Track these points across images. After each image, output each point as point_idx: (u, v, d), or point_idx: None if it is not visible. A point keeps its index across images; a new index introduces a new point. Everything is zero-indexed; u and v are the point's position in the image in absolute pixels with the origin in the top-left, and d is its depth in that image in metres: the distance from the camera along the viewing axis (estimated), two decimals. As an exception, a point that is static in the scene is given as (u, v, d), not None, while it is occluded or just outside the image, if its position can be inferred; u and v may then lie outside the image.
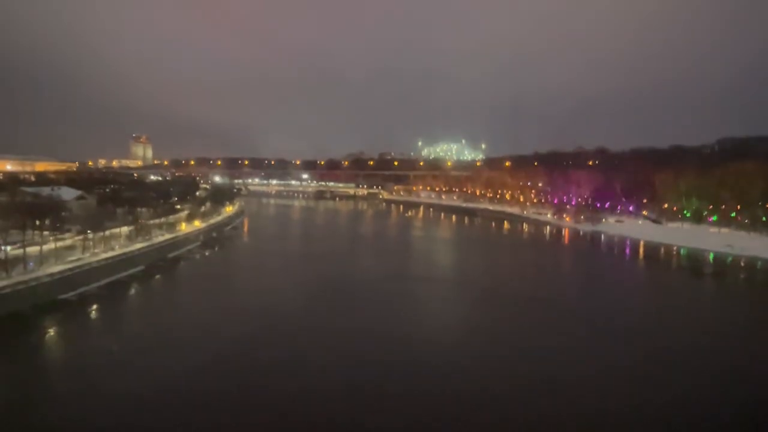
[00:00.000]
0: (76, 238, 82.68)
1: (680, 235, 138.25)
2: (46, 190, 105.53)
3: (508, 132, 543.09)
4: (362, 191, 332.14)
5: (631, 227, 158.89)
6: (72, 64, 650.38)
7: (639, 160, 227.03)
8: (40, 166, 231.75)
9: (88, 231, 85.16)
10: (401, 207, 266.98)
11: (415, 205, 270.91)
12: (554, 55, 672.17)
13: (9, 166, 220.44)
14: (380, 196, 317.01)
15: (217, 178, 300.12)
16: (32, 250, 70.34)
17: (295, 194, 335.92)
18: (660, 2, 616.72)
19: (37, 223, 79.60)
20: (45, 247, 72.98)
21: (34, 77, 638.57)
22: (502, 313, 65.17)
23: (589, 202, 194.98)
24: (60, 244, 78.37)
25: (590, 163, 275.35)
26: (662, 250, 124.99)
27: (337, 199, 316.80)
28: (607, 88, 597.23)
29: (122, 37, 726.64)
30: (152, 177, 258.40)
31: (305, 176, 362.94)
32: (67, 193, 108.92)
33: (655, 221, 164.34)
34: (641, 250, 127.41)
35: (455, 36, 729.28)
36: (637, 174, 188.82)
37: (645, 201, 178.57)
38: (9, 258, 64.94)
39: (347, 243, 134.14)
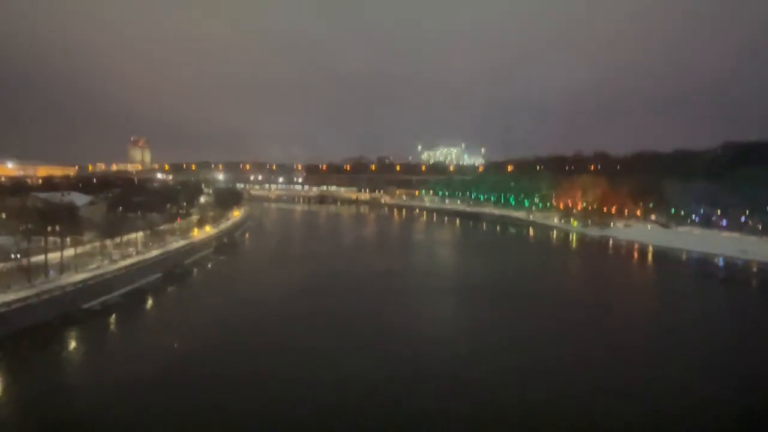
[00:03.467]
0: (94, 244, 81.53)
1: (691, 239, 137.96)
2: (57, 196, 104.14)
3: (508, 136, 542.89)
4: (364, 195, 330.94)
5: (640, 232, 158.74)
6: (68, 68, 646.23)
7: (643, 164, 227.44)
8: (42, 171, 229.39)
9: (105, 238, 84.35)
10: (404, 211, 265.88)
11: (418, 210, 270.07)
12: (551, 57, 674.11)
13: (11, 170, 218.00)
14: (382, 201, 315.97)
15: (220, 180, 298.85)
16: (50, 257, 69.33)
17: (297, 198, 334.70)
18: (661, 5, 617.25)
19: (55, 228, 78.63)
20: (61, 254, 71.96)
21: (30, 81, 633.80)
22: (542, 323, 63.42)
23: (595, 206, 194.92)
24: (79, 249, 77.33)
25: (592, 167, 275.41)
26: (675, 255, 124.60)
27: (339, 203, 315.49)
28: (607, 92, 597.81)
29: (118, 39, 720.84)
30: (159, 175, 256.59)
31: (304, 180, 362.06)
32: (79, 199, 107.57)
33: (663, 225, 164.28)
34: (654, 255, 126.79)
35: (449, 38, 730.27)
36: (642, 178, 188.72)
37: (652, 205, 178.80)
38: (31, 266, 63.94)
39: (356, 247, 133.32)
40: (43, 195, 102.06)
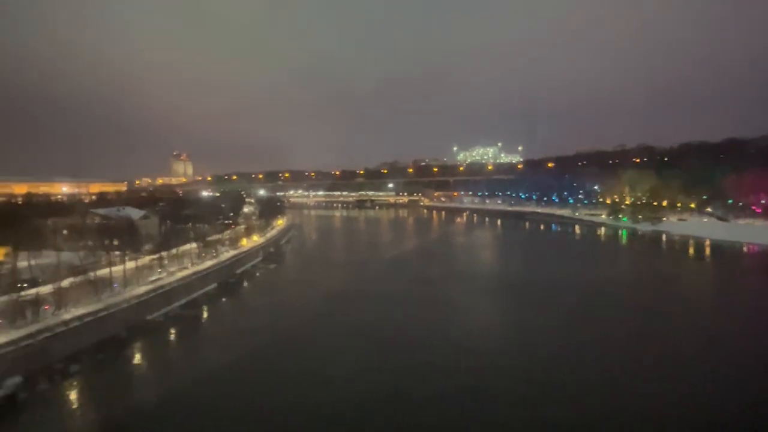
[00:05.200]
0: (152, 257, 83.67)
1: (755, 233, 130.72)
2: (113, 211, 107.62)
3: (542, 133, 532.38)
4: (402, 199, 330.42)
5: (696, 226, 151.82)
6: (111, 90, 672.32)
7: (692, 155, 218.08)
8: (94, 187, 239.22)
9: (161, 250, 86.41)
10: (444, 213, 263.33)
11: (459, 211, 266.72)
12: (582, 52, 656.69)
13: (65, 188, 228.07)
14: (421, 203, 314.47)
15: (261, 190, 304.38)
16: (111, 270, 71.45)
17: (335, 204, 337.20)
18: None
19: (114, 243, 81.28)
20: (119, 268, 74.10)
21: (76, 102, 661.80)
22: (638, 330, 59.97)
23: (644, 201, 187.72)
24: (139, 263, 79.45)
25: (636, 160, 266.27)
26: (741, 249, 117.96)
27: (377, 207, 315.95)
28: (635, 86, 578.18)
29: (157, 59, 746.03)
30: (204, 192, 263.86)
31: (342, 186, 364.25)
32: (133, 213, 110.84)
33: (721, 218, 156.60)
34: (718, 250, 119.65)
35: (477, 37, 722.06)
36: (692, 169, 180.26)
37: (705, 197, 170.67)
38: (97, 280, 65.95)
39: (404, 251, 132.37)
40: (100, 211, 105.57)
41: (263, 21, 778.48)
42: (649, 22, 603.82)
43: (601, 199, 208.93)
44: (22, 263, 69.50)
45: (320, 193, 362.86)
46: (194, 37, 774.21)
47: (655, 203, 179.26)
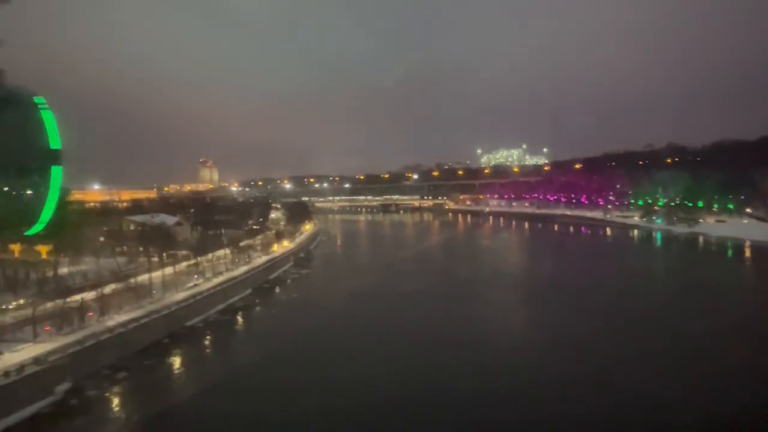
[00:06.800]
0: (189, 263, 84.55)
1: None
2: (147, 218, 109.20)
3: (568, 134, 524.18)
4: (427, 202, 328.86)
5: (736, 227, 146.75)
6: (136, 96, 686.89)
7: (726, 155, 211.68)
8: (125, 194, 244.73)
9: (196, 256, 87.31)
10: (470, 217, 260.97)
11: (485, 215, 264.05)
12: (609, 49, 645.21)
13: (99, 195, 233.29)
14: (446, 207, 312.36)
15: (287, 194, 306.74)
16: (148, 276, 72.26)
17: (359, 209, 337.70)
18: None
19: (151, 249, 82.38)
20: (158, 273, 74.94)
21: (106, 108, 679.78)
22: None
23: (677, 201, 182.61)
24: (177, 268, 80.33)
25: (668, 160, 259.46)
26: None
27: (402, 211, 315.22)
28: (665, 84, 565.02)
29: (180, 66, 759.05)
30: (234, 190, 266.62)
31: (366, 190, 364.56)
32: (168, 220, 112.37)
33: (761, 219, 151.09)
34: (761, 252, 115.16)
35: (498, 37, 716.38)
36: (728, 169, 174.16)
37: (743, 198, 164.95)
38: (137, 286, 66.73)
39: (435, 255, 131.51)
40: (135, 218, 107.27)
41: (286, 24, 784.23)
42: (677, 19, 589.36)
43: (632, 201, 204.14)
44: (63, 269, 71.24)
45: (345, 197, 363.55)
46: (217, 43, 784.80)
47: (690, 204, 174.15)
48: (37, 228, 24.56)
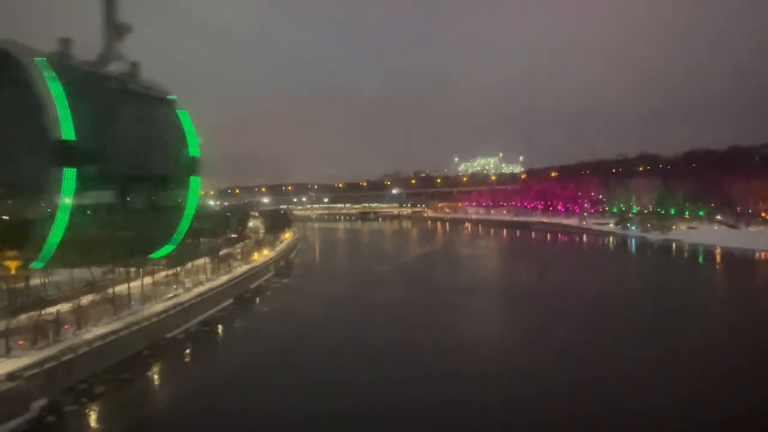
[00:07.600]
0: (167, 272, 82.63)
1: (767, 239, 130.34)
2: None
3: (543, 143, 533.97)
4: (406, 210, 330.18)
5: (707, 234, 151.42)
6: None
7: (696, 164, 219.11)
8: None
9: (175, 265, 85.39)
10: (448, 224, 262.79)
11: (464, 222, 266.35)
12: (581, 60, 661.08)
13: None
14: (425, 215, 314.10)
15: (265, 203, 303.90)
16: (126, 286, 70.28)
17: (338, 216, 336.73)
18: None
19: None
20: (137, 284, 72.87)
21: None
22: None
23: (651, 209, 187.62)
24: (156, 277, 78.48)
25: (640, 169, 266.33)
26: (756, 256, 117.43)
27: (381, 219, 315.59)
28: (632, 95, 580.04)
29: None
30: (210, 202, 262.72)
31: (344, 198, 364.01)
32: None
33: (731, 226, 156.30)
34: (732, 258, 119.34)
35: (473, 45, 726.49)
36: (698, 177, 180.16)
37: (713, 205, 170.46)
38: (115, 297, 64.82)
39: (411, 261, 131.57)
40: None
41: (264, 35, 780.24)
42: (646, 31, 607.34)
43: (607, 209, 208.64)
44: (34, 280, 68.65)
45: (323, 205, 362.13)
46: (191, 51, 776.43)
47: (662, 212, 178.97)
48: (167, 249, 20.91)
